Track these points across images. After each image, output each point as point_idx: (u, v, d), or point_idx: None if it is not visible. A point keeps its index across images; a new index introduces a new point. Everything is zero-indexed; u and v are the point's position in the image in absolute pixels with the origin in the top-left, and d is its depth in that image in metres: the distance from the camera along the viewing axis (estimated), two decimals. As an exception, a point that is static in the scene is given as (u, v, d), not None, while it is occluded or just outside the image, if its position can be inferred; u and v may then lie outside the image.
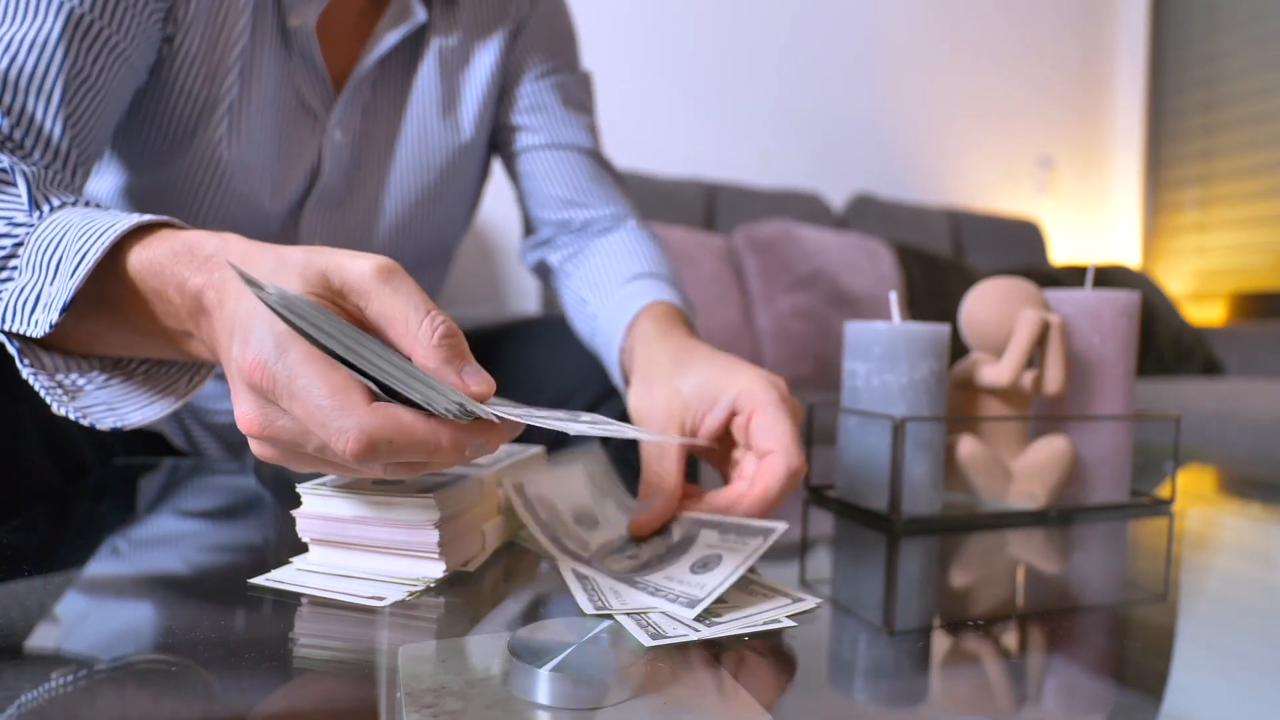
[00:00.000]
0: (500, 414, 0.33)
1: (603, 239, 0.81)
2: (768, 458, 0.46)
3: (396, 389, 0.32)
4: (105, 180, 0.71)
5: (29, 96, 0.53)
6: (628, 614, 0.35)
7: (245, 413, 0.34)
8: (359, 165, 0.75)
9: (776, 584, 0.40)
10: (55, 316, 0.42)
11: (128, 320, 0.45)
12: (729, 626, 0.34)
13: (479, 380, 0.35)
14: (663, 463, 0.47)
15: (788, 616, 0.36)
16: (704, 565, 0.38)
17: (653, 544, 0.43)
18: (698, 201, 2.24)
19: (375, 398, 0.33)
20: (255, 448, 0.36)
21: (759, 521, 0.41)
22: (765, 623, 0.35)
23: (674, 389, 0.51)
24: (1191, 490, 0.77)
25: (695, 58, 2.44)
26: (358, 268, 0.35)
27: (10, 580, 0.40)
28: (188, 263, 0.40)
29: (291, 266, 0.36)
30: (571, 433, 0.33)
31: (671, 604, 0.35)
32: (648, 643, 0.32)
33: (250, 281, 0.31)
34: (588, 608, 0.37)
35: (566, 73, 0.84)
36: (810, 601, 0.38)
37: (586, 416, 0.36)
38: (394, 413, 0.32)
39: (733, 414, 0.49)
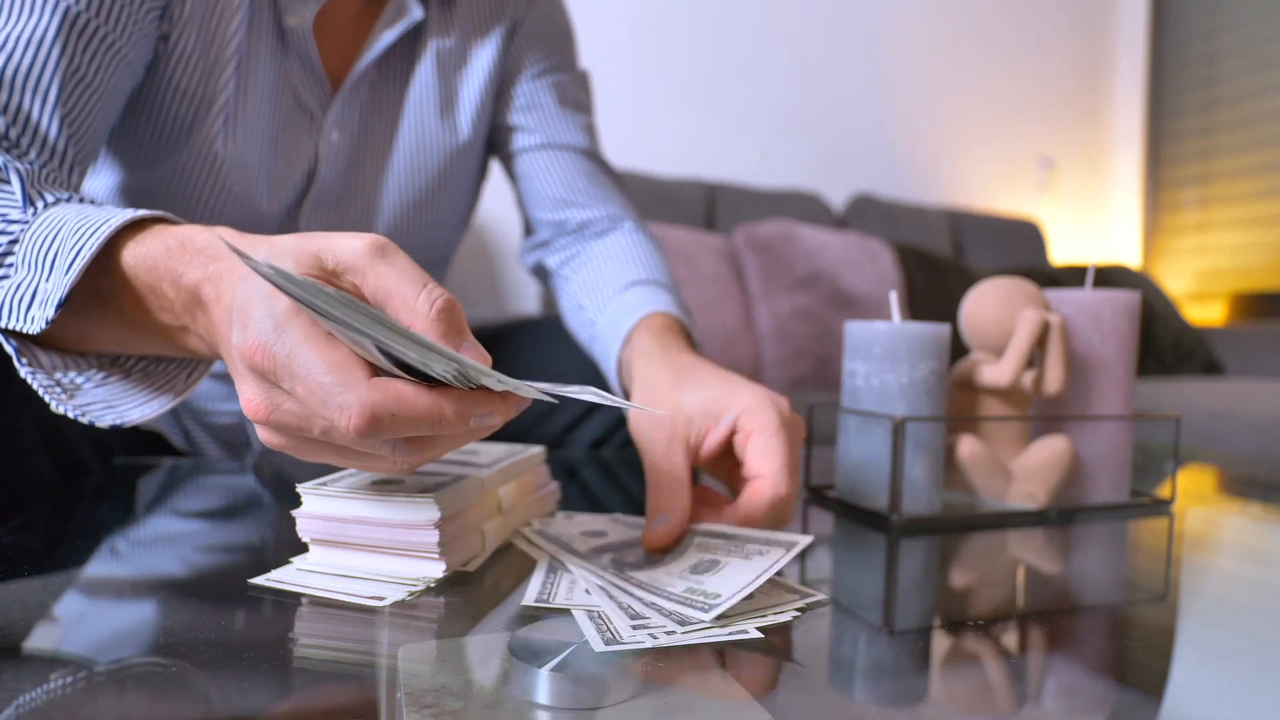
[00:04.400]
0: (499, 378, 0.32)
1: (599, 242, 0.81)
2: (756, 482, 0.46)
3: (393, 353, 0.31)
4: (102, 179, 0.71)
5: (25, 95, 0.53)
6: (587, 615, 0.34)
7: (250, 398, 0.34)
8: (356, 166, 0.75)
9: (771, 586, 0.40)
10: (51, 313, 0.42)
11: (123, 316, 0.45)
12: (692, 636, 0.33)
13: (476, 355, 0.34)
14: (673, 474, 0.47)
15: (757, 628, 0.34)
16: (705, 568, 0.38)
17: (637, 551, 0.43)
18: (698, 201, 2.24)
19: (377, 373, 0.32)
20: (262, 435, 0.36)
21: (783, 534, 0.40)
22: (730, 634, 0.34)
23: (677, 404, 0.50)
24: (1191, 490, 0.77)
25: (695, 58, 2.43)
26: (350, 245, 0.35)
27: (10, 580, 0.40)
28: (180, 257, 0.40)
29: (285, 252, 0.35)
30: (568, 394, 0.32)
31: (684, 608, 0.34)
32: (599, 647, 0.31)
33: (246, 259, 0.31)
34: (529, 599, 0.37)
35: (563, 72, 0.84)
36: (788, 614, 0.36)
37: (580, 388, 0.35)
38: (395, 386, 0.32)
39: (734, 431, 0.48)
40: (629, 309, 0.70)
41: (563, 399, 0.34)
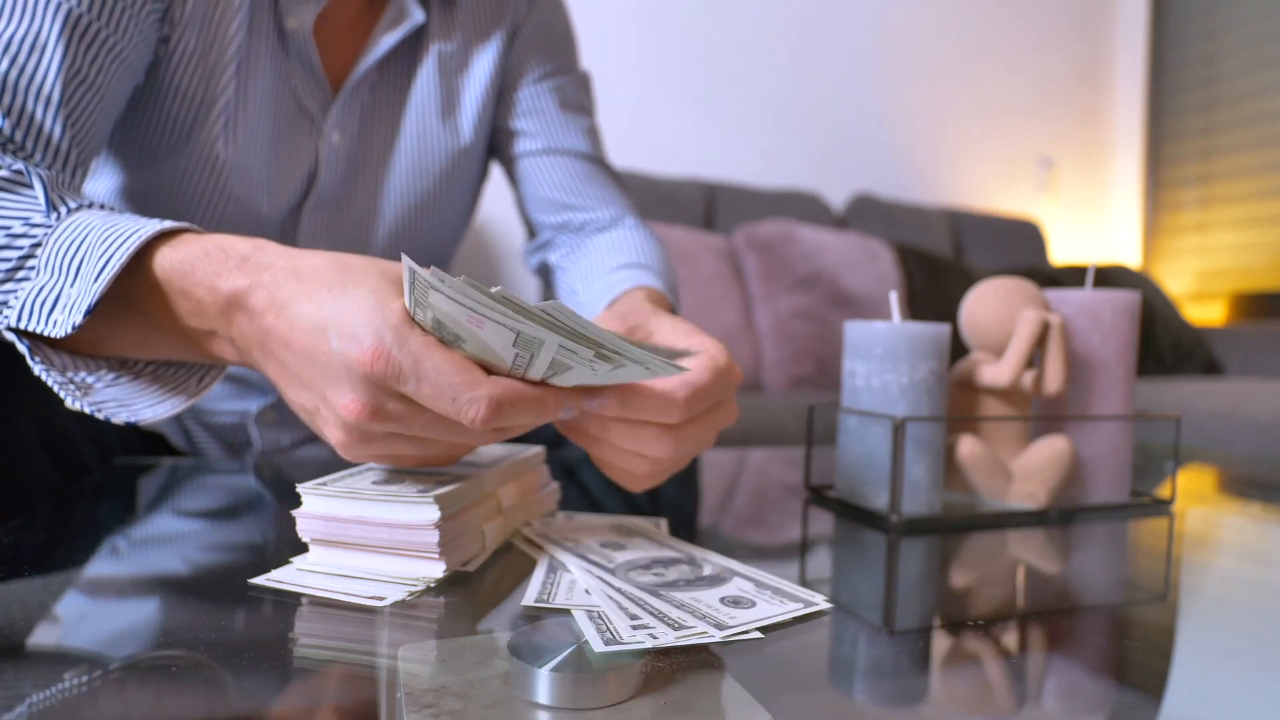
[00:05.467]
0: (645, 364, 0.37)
1: (599, 236, 0.81)
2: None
3: (570, 358, 0.36)
4: (102, 180, 0.71)
5: (28, 97, 0.53)
6: (587, 615, 0.34)
7: (354, 401, 0.37)
8: (357, 169, 0.75)
9: (774, 588, 0.40)
10: (79, 318, 0.43)
11: (148, 319, 0.46)
12: (692, 636, 0.33)
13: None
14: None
15: (758, 629, 0.34)
16: (735, 603, 0.38)
17: (680, 569, 0.43)
18: (698, 201, 2.24)
19: (491, 372, 0.38)
20: (338, 434, 0.39)
21: (802, 590, 0.40)
22: (730, 634, 0.34)
23: (642, 336, 0.49)
24: (1191, 490, 0.77)
25: (695, 57, 2.44)
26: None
27: (10, 580, 0.40)
28: (222, 263, 0.42)
29: (365, 271, 0.39)
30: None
31: (699, 621, 0.34)
32: (599, 647, 0.31)
33: (417, 272, 0.34)
34: (529, 599, 0.37)
35: (564, 74, 0.84)
36: (788, 615, 0.36)
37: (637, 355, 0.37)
38: (509, 382, 0.37)
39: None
40: (613, 286, 0.70)
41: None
